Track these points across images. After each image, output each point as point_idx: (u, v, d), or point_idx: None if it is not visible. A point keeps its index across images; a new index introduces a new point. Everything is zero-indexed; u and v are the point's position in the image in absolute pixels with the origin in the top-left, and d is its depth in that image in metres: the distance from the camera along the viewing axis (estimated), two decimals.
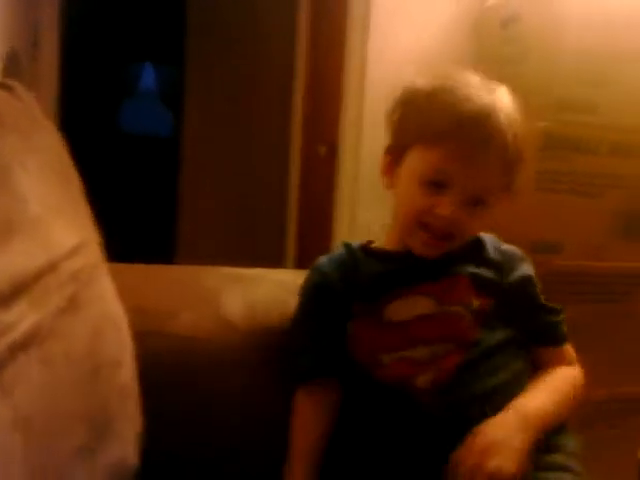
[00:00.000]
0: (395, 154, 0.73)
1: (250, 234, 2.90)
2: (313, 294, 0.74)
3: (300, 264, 2.47)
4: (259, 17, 2.82)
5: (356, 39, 1.66)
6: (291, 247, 2.59)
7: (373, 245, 0.78)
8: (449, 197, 0.67)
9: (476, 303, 0.70)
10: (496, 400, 0.65)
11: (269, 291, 0.82)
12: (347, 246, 0.77)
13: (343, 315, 0.72)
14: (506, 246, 0.77)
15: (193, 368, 0.71)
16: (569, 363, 0.75)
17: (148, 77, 4.42)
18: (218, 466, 0.72)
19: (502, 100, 0.70)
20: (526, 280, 0.74)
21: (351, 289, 0.72)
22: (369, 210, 1.59)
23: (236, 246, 2.74)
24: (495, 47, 1.49)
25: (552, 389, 0.70)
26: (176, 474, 0.70)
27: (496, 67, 1.46)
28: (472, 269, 0.72)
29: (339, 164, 1.79)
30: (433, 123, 0.68)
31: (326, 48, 2.12)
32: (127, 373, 0.60)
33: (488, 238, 0.76)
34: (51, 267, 0.52)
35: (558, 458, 0.67)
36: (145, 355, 0.65)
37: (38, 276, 0.49)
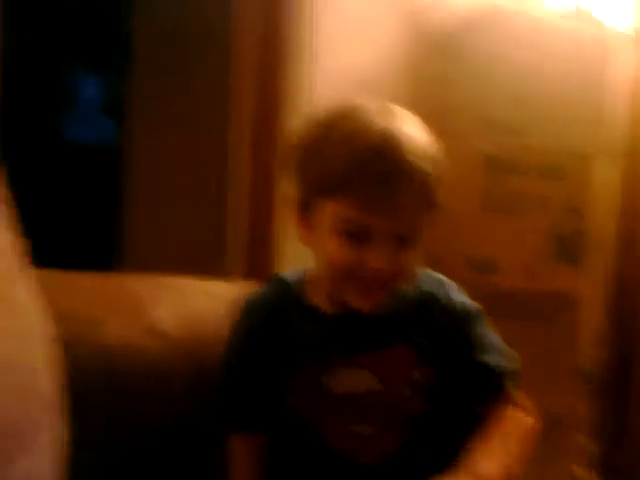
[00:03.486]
0: (303, 205, 0.63)
1: (194, 245, 2.87)
2: (245, 343, 0.71)
3: (244, 274, 2.45)
4: (205, 33, 2.82)
5: (303, 57, 1.70)
6: (236, 258, 2.58)
7: (309, 298, 0.69)
8: (377, 247, 0.59)
9: (417, 375, 0.66)
10: (440, 470, 0.62)
11: (199, 300, 0.82)
12: (282, 288, 0.71)
13: (276, 366, 0.68)
14: (456, 302, 0.69)
15: (120, 377, 0.70)
16: (518, 409, 0.69)
17: (90, 86, 4.35)
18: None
19: (406, 125, 0.60)
20: (469, 344, 0.69)
21: (284, 345, 0.68)
22: None
23: (180, 256, 2.71)
24: (434, 69, 1.53)
25: (503, 449, 0.64)
26: None
27: (435, 89, 1.50)
28: (415, 337, 0.67)
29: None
30: (330, 168, 0.58)
31: (272, 65, 2.14)
32: (47, 383, 0.59)
33: (441, 290, 0.69)
34: None
35: None
36: (71, 364, 0.63)
37: None
